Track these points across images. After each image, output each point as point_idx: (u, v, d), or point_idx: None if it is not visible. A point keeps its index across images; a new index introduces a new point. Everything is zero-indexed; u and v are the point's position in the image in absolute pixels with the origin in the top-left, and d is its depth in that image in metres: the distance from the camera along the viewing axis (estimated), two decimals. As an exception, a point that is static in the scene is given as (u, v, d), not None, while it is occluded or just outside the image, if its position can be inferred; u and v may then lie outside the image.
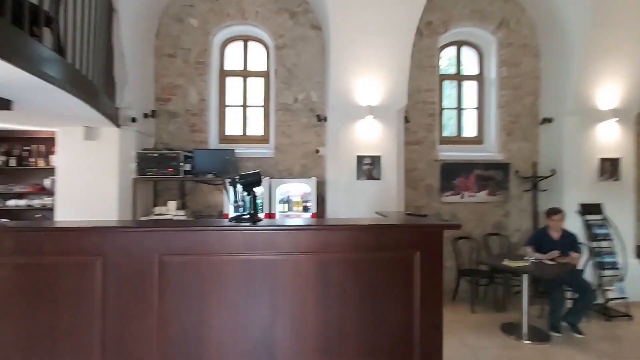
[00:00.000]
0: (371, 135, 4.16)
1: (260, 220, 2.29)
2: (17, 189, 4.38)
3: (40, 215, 4.40)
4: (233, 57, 5.05)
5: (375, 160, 4.13)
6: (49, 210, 4.23)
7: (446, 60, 5.31)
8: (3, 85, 2.46)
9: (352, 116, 4.15)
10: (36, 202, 4.37)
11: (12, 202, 4.35)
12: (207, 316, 2.04)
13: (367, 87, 4.11)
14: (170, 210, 4.23)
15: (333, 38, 4.01)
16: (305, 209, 4.12)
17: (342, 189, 4.13)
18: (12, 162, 4.42)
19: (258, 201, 4.07)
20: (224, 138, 4.94)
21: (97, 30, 3.27)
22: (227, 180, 2.35)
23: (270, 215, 3.96)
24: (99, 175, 3.98)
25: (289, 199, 4.19)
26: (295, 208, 4.14)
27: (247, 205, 2.29)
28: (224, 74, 4.99)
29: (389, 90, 4.17)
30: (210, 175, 4.19)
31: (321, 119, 4.57)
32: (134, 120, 4.09)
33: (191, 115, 4.72)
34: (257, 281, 2.08)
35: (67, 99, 2.77)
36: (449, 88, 5.28)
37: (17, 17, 2.06)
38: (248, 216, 2.28)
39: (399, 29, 4.00)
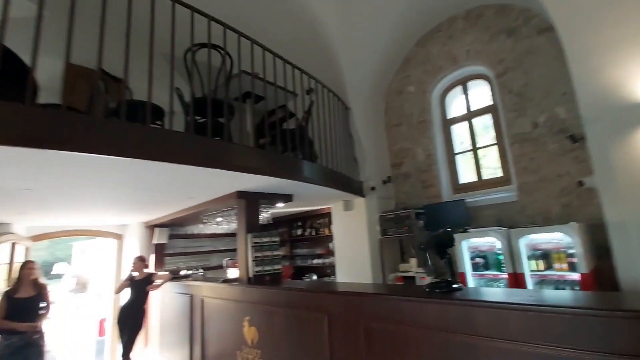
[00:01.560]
0: (679, 143, 2.53)
1: (458, 289, 1.96)
2: (317, 251, 6.13)
3: (312, 274, 5.85)
4: (454, 103, 4.91)
5: (702, 182, 2.41)
6: (333, 266, 5.57)
7: None
8: (286, 188, 3.79)
9: (626, 122, 2.76)
10: (327, 261, 5.90)
11: (315, 261, 6.12)
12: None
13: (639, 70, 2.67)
14: (413, 267, 4.36)
15: (561, 27, 3.04)
16: (573, 267, 2.95)
17: (637, 235, 2.65)
18: (313, 232, 6.32)
19: (499, 257, 3.46)
20: (458, 188, 4.68)
21: (338, 131, 4.35)
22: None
23: (517, 276, 3.14)
24: (355, 238, 4.88)
25: (545, 254, 3.18)
26: (556, 265, 3.07)
27: (433, 267, 2.05)
28: (447, 123, 4.91)
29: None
30: (441, 230, 4.02)
31: (577, 139, 3.35)
32: (373, 188, 4.81)
33: (421, 173, 4.89)
34: (456, 367, 1.73)
35: (323, 189, 3.85)
36: None
37: (279, 139, 3.20)
38: (444, 284, 2.02)
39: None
